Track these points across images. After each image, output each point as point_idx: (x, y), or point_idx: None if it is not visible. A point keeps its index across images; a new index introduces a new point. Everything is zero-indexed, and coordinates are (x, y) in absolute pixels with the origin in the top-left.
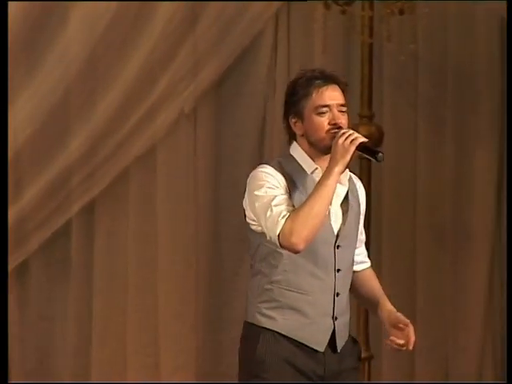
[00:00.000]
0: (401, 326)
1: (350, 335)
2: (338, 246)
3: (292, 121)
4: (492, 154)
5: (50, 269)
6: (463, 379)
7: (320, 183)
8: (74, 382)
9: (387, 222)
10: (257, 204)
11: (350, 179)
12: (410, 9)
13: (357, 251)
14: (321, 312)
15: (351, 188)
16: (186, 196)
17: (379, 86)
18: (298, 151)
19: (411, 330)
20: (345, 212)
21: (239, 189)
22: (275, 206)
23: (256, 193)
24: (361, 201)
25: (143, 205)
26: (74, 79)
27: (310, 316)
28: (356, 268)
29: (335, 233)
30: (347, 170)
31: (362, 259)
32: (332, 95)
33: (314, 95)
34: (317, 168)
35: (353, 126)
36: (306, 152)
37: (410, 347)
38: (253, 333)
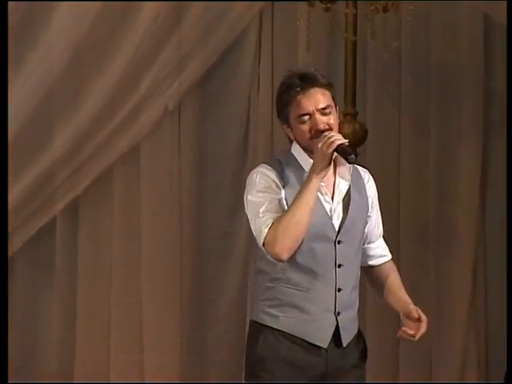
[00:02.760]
0: (413, 317)
1: (360, 331)
2: (338, 242)
3: (284, 127)
4: (475, 151)
5: (35, 266)
6: (447, 378)
7: (301, 190)
8: (58, 380)
9: None
10: (248, 209)
11: (356, 172)
12: (393, 6)
13: (373, 245)
14: (322, 308)
15: (355, 182)
16: (170, 194)
17: (363, 83)
18: (297, 149)
19: (423, 322)
20: (345, 207)
21: (223, 186)
22: (262, 213)
23: (248, 197)
24: (369, 194)
25: (127, 202)
26: (58, 77)
27: (312, 313)
28: (375, 262)
29: (336, 229)
30: (348, 164)
31: (380, 253)
32: (311, 102)
33: (294, 104)
34: None
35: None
36: (304, 150)
37: (417, 337)
38: (255, 331)
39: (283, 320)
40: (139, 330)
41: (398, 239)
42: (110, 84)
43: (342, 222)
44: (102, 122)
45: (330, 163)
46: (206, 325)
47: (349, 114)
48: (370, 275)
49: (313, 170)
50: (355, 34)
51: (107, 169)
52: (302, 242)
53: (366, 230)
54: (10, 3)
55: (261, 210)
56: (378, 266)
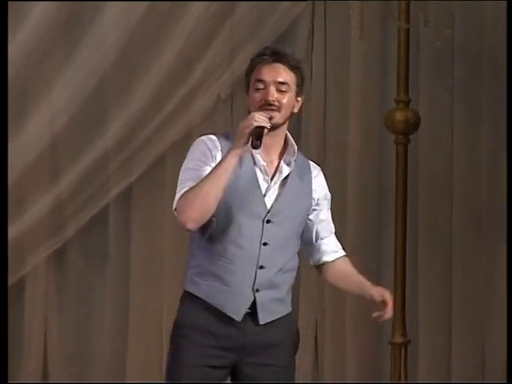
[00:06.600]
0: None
1: (289, 315)
2: (268, 221)
3: (247, 96)
4: None
5: (88, 254)
6: (500, 363)
7: (216, 165)
8: (111, 368)
9: (423, 209)
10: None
11: (306, 164)
12: None
13: (325, 241)
14: (240, 282)
15: (301, 171)
16: None
17: (416, 71)
18: None
19: (388, 301)
20: (280, 189)
21: None
22: (185, 180)
23: (183, 166)
24: (314, 187)
25: None
26: (110, 66)
27: (230, 284)
28: (328, 257)
29: (267, 208)
30: (295, 151)
31: (333, 248)
32: (271, 72)
33: (255, 70)
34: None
35: (389, 111)
36: None
37: (389, 315)
38: (182, 298)
39: (204, 288)
40: None
41: (451, 226)
42: (162, 72)
43: (274, 203)
44: (154, 110)
45: (247, 142)
46: None
47: (402, 102)
48: (327, 272)
49: (232, 146)
50: (408, 21)
51: (159, 157)
52: (232, 214)
53: (314, 226)
54: None
55: (185, 177)
56: (333, 261)
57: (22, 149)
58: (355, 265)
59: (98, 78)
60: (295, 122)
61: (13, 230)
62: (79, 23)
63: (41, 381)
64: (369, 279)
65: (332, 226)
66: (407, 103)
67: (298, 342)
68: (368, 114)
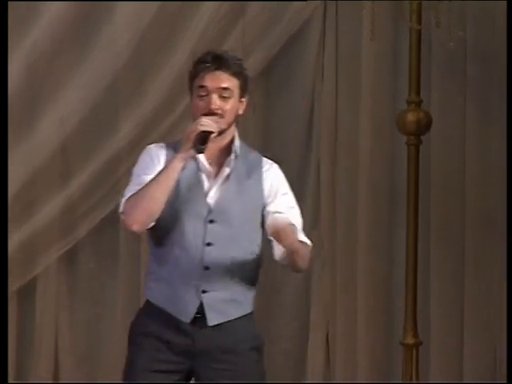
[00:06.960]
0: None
1: (247, 317)
2: (211, 221)
3: (191, 102)
4: None
5: (99, 255)
6: None
7: (163, 168)
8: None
9: (435, 209)
10: None
11: (257, 161)
12: None
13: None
14: (186, 283)
15: (251, 170)
16: None
17: (427, 72)
18: None
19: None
20: (223, 188)
21: (288, 175)
22: (132, 185)
23: (132, 172)
24: (264, 182)
25: None
26: (122, 66)
27: (177, 287)
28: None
29: (211, 207)
30: (235, 151)
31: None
32: (214, 79)
33: (198, 78)
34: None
35: (401, 112)
36: None
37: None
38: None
39: (155, 292)
40: None
41: (464, 227)
42: (173, 73)
43: (218, 202)
44: (165, 111)
45: (192, 147)
46: (270, 314)
47: (413, 102)
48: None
49: (179, 150)
50: (420, 22)
51: None
52: (176, 217)
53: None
54: None
55: (131, 183)
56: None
57: (33, 150)
58: (366, 266)
59: (110, 79)
60: (307, 123)
61: (24, 232)
62: (90, 24)
63: (52, 381)
64: (380, 279)
65: (295, 220)
66: (419, 104)
67: (263, 344)
68: (379, 115)
